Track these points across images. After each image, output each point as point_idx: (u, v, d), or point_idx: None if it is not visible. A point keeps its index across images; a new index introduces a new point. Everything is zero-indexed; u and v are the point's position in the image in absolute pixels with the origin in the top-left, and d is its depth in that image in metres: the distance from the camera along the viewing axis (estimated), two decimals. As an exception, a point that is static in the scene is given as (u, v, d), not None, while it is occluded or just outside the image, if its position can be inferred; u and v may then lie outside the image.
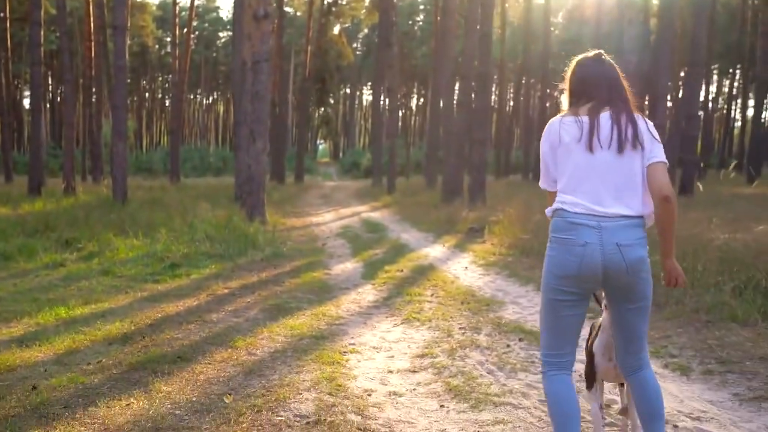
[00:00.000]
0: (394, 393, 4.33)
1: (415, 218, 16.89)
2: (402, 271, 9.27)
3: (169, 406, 3.93)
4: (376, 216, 18.84)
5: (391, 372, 4.80)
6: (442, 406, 4.10)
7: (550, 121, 3.05)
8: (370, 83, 78.31)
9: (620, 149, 2.89)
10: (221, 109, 78.08)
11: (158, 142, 69.79)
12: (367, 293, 7.86)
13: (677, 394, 4.32)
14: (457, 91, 26.69)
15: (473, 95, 19.45)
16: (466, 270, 9.40)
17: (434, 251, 11.31)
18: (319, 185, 38.53)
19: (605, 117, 2.93)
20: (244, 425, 3.65)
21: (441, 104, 25.68)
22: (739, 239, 7.69)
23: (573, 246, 2.86)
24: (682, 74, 42.99)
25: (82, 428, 3.55)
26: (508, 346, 5.42)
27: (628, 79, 3.11)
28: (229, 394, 4.13)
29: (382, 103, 34.39)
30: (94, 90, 29.22)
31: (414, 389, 4.42)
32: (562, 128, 2.97)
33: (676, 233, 3.03)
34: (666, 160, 2.92)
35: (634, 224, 2.90)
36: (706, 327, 5.84)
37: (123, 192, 16.64)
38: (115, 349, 5.25)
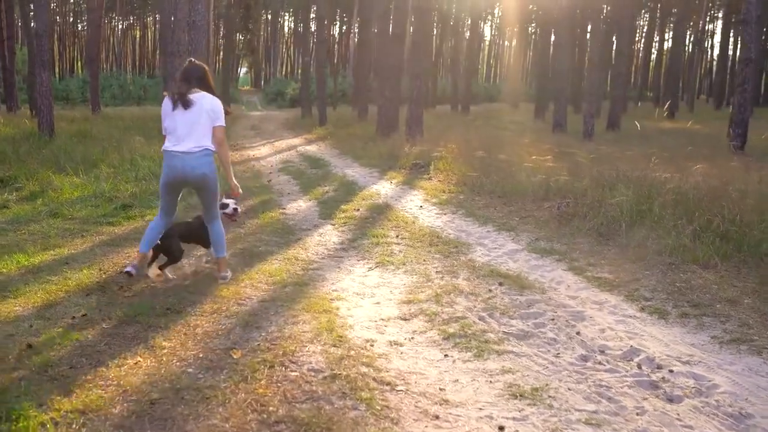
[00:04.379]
0: (395, 342, 4.40)
1: (355, 152, 16.80)
2: (359, 210, 9.28)
3: (177, 363, 3.89)
4: (314, 150, 18.65)
5: (383, 320, 4.85)
6: (446, 355, 4.19)
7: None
8: (291, 9, 76.20)
9: (185, 107, 5.25)
10: (138, 34, 74.40)
11: (71, 69, 66.21)
12: (330, 234, 7.85)
13: (661, 338, 4.54)
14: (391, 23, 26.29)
15: (410, 28, 19.25)
16: (421, 209, 9.48)
17: (384, 189, 11.33)
18: (245, 115, 37.72)
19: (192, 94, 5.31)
20: (262, 382, 3.64)
21: (375, 35, 25.30)
22: (690, 181, 8.03)
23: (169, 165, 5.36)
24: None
25: (100, 391, 3.47)
26: (490, 290, 5.56)
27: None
28: (236, 349, 4.11)
29: (311, 30, 33.56)
30: (4, 13, 27.31)
31: (412, 338, 4.50)
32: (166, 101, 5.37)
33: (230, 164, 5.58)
34: (223, 124, 5.34)
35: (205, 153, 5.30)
36: (670, 269, 6.13)
37: (50, 125, 15.88)
38: (95, 300, 5.11)
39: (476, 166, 12.45)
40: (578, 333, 4.62)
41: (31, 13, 31.48)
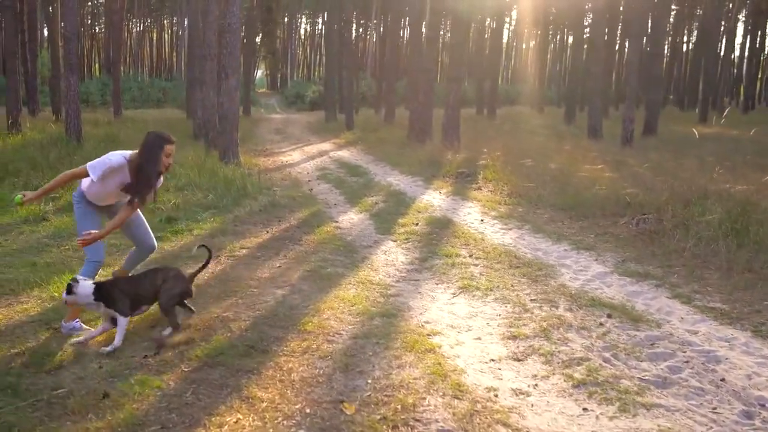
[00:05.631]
0: (520, 391, 3.82)
1: (391, 159, 16.23)
2: (417, 224, 8.71)
3: (284, 422, 3.33)
4: (347, 155, 18.10)
5: (494, 361, 4.28)
6: (585, 409, 3.62)
7: None
8: (308, 12, 75.80)
9: None
10: (155, 36, 73.99)
11: (89, 71, 65.75)
12: (396, 252, 7.29)
13: (820, 387, 3.95)
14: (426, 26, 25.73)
15: (447, 31, 18.68)
16: (483, 223, 8.89)
17: (435, 200, 10.74)
18: (266, 118, 37.28)
19: None
20: (391, 449, 3.09)
21: (404, 38, 24.76)
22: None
23: None
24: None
25: (207, 463, 2.92)
26: (602, 324, 4.97)
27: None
28: (347, 403, 3.54)
29: (335, 32, 33.04)
30: (26, 15, 26.92)
31: (536, 385, 3.92)
32: None
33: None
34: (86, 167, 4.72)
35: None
36: (792, 299, 5.53)
37: (77, 130, 15.38)
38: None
39: (528, 175, 11.88)
40: (723, 380, 4.03)
41: (50, 16, 31.18)
